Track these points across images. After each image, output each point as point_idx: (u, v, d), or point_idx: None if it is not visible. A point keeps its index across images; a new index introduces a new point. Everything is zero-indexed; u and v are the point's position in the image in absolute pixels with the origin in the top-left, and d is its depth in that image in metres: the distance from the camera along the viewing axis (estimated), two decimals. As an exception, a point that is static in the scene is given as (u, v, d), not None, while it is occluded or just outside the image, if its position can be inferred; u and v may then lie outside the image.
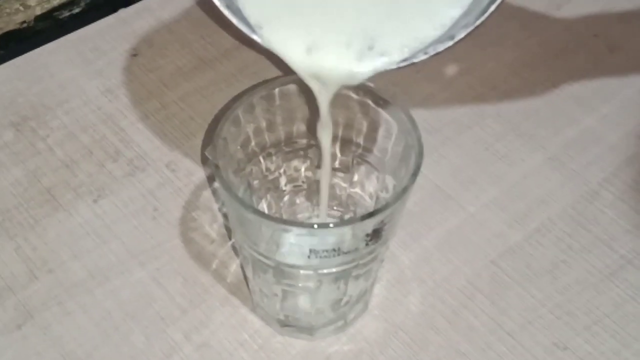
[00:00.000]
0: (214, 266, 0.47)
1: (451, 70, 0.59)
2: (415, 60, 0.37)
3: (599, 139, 0.55)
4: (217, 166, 0.38)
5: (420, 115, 0.39)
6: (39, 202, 0.50)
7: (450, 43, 0.36)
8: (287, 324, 0.44)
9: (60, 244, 0.48)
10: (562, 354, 0.44)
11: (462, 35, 0.35)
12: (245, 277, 0.46)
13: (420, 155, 0.38)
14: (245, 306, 0.46)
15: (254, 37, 0.38)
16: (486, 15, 0.35)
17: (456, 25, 0.36)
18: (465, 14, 0.36)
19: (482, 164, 0.53)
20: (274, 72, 0.57)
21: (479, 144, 0.54)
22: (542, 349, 0.44)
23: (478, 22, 0.35)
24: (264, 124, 0.43)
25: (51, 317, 0.45)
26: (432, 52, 0.36)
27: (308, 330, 0.44)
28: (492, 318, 0.45)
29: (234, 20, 0.38)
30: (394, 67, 0.37)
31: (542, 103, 0.57)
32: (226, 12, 0.38)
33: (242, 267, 0.47)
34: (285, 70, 0.39)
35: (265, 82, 0.42)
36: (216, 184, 0.51)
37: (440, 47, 0.36)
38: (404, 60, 0.37)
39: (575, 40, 0.61)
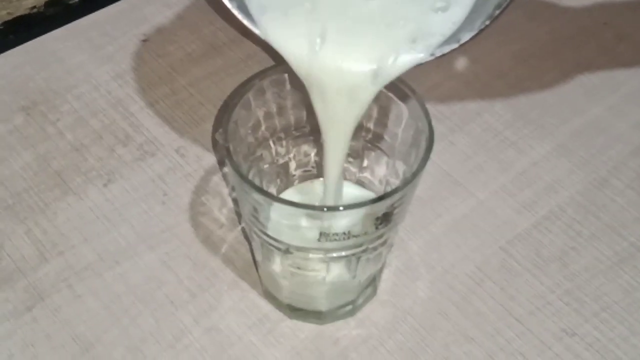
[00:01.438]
0: (223, 250, 0.48)
1: (459, 58, 0.59)
2: (422, 62, 0.37)
3: (607, 127, 0.55)
4: (227, 149, 0.38)
5: (428, 102, 0.39)
6: (49, 185, 0.51)
7: (456, 45, 0.36)
8: (296, 308, 0.44)
9: (70, 227, 0.49)
10: (570, 340, 0.44)
11: (467, 38, 0.36)
12: (255, 261, 0.46)
13: (431, 139, 0.38)
14: (254, 290, 0.46)
15: (257, 32, 0.38)
16: (492, 19, 0.36)
17: (462, 28, 0.37)
18: (471, 17, 0.37)
19: (491, 151, 0.53)
20: (283, 58, 0.57)
21: (488, 131, 0.54)
22: (551, 335, 0.44)
23: (482, 26, 0.36)
24: (274, 108, 0.43)
25: (61, 299, 0.45)
26: (438, 53, 0.37)
27: (317, 314, 0.44)
28: (500, 304, 0.46)
29: (240, 16, 0.38)
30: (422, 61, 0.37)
31: (551, 92, 0.57)
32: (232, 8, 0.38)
33: (251, 251, 0.47)
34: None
35: (276, 66, 0.42)
36: (226, 169, 0.51)
37: (447, 49, 0.37)
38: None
39: (583, 29, 0.61)
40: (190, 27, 0.60)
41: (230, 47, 0.59)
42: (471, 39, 0.36)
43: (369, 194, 0.45)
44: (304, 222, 0.38)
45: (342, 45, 0.37)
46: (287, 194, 0.46)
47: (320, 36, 0.37)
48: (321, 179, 0.46)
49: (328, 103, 0.38)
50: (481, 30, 0.36)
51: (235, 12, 0.38)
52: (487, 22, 0.36)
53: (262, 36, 0.38)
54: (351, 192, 0.46)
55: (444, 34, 0.37)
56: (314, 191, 0.47)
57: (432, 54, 0.37)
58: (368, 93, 0.37)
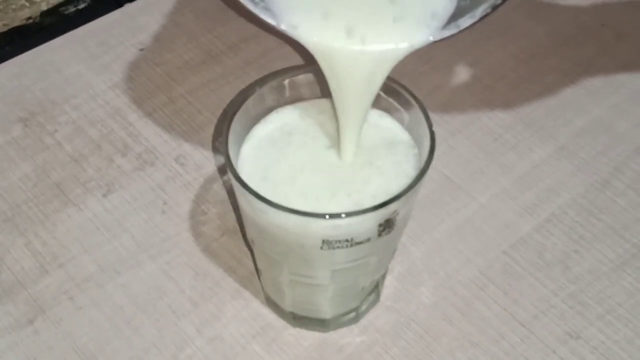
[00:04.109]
0: (224, 259, 0.47)
1: (459, 61, 0.59)
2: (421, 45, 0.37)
3: (608, 128, 0.54)
4: (228, 157, 0.37)
5: (428, 106, 0.39)
6: (48, 197, 0.50)
7: (455, 30, 0.36)
8: (299, 316, 0.44)
9: (70, 238, 0.48)
10: (575, 344, 0.44)
11: (467, 23, 0.36)
12: (257, 270, 0.46)
13: (432, 144, 0.38)
14: (257, 299, 0.46)
15: (281, 26, 0.37)
16: (494, 7, 0.36)
17: (462, 13, 0.36)
18: (472, 3, 0.36)
19: (492, 155, 0.53)
20: (281, 65, 0.57)
21: (488, 134, 0.54)
22: (555, 338, 0.44)
23: (484, 14, 0.36)
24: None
25: (62, 311, 0.45)
26: (438, 37, 0.36)
27: (320, 322, 0.44)
28: (504, 308, 0.45)
29: (257, 11, 0.37)
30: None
31: (551, 93, 0.57)
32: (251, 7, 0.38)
33: (253, 260, 0.47)
34: (292, 63, 0.38)
35: (276, 73, 0.41)
36: (226, 177, 0.51)
37: (446, 33, 0.36)
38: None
39: (583, 29, 0.61)
40: (187, 35, 0.60)
41: (228, 54, 0.59)
42: (471, 25, 0.36)
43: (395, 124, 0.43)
44: (307, 229, 0.37)
45: (367, 29, 0.36)
46: (285, 112, 0.43)
47: (339, 21, 0.36)
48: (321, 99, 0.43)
49: (351, 88, 0.38)
50: (481, 18, 0.36)
51: (251, 7, 0.37)
52: (489, 10, 0.35)
53: (287, 30, 0.37)
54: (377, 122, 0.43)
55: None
56: (314, 111, 0.43)
57: (432, 38, 0.36)
58: (383, 71, 0.38)
